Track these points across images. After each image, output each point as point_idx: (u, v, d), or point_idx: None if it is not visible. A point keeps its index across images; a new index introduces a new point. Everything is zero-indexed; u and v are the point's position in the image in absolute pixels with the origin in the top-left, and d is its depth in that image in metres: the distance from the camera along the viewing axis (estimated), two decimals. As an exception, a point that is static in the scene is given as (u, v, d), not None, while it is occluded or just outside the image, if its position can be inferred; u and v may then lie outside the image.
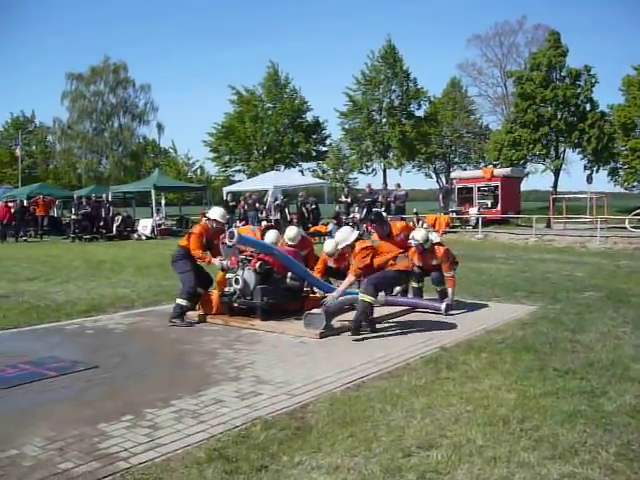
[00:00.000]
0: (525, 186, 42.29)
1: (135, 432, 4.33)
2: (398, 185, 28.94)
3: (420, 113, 53.23)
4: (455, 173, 40.58)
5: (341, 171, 54.50)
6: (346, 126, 53.63)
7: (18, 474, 3.67)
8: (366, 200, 26.96)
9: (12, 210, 27.90)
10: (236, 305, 8.08)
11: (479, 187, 31.18)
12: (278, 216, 26.96)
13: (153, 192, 31.25)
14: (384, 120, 52.35)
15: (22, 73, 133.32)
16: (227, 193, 31.17)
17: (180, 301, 7.94)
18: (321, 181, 38.02)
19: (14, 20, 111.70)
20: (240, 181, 46.67)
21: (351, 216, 26.19)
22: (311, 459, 3.86)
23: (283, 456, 3.91)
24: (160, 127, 59.97)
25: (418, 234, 8.85)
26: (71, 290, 11.08)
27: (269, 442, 4.12)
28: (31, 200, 31.20)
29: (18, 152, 51.15)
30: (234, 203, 28.94)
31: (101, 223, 28.33)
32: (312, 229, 24.59)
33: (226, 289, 8.10)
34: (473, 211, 29.05)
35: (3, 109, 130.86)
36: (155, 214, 31.41)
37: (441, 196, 33.68)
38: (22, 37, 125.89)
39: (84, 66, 58.29)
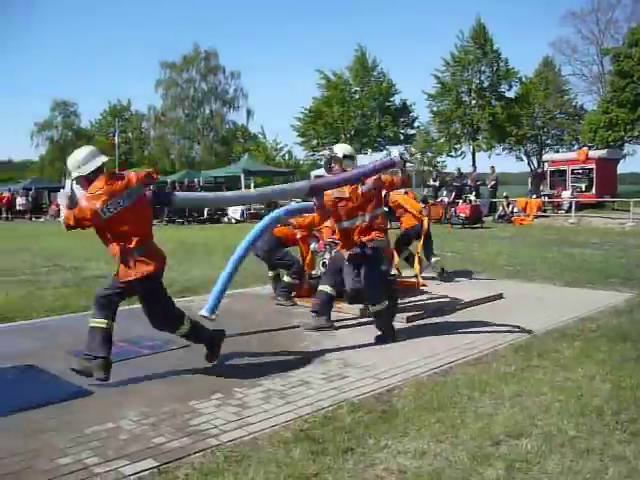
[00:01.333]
0: (622, 168, 40.56)
1: (224, 410, 4.45)
2: (492, 168, 28.33)
3: (511, 94, 51.72)
4: (547, 155, 39.31)
5: (429, 154, 53.71)
6: (434, 108, 52.77)
7: (115, 446, 3.83)
8: (455, 184, 26.56)
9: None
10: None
11: (573, 170, 30.10)
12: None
13: (242, 176, 31.82)
14: (473, 102, 51.19)
15: (118, 63, 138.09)
16: (315, 177, 31.34)
17: (289, 279, 8.07)
18: (409, 165, 37.65)
19: (112, 12, 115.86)
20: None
21: (439, 200, 25.87)
22: (397, 443, 3.86)
23: (369, 439, 3.92)
24: (249, 113, 61.05)
25: None
26: (165, 271, 11.39)
27: (355, 425, 4.14)
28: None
29: (115, 139, 53.01)
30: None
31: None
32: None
33: (314, 272, 8.16)
34: (566, 195, 28.10)
35: (102, 97, 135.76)
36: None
37: (530, 179, 32.66)
38: (118, 29, 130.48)
39: (176, 55, 59.77)
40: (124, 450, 3.79)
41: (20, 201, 38.51)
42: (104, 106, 72.85)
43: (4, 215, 37.47)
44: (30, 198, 38.46)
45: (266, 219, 6.73)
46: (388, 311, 6.54)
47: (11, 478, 3.45)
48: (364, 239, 6.48)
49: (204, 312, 5.74)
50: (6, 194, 39.78)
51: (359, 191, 6.48)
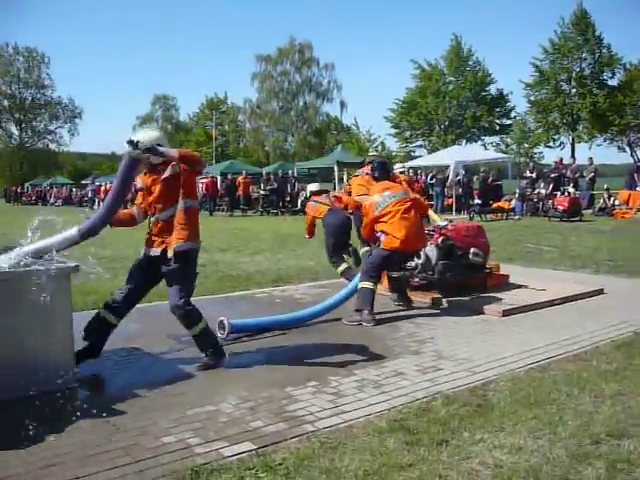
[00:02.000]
0: None
1: (320, 398, 4.52)
2: (590, 159, 27.30)
3: (614, 82, 49.64)
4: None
5: (525, 145, 52.25)
6: (532, 98, 51.29)
7: (215, 428, 3.98)
8: (552, 175, 25.74)
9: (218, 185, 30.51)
10: (417, 280, 8.08)
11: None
12: (460, 191, 26.51)
13: (336, 168, 31.93)
14: (573, 90, 49.45)
15: (215, 57, 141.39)
16: (408, 168, 31.08)
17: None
18: (504, 156, 36.81)
19: (208, 7, 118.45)
20: (420, 156, 46.36)
21: (536, 192, 25.14)
22: (493, 438, 3.82)
23: (464, 432, 3.90)
24: (343, 104, 61.33)
25: None
26: (260, 261, 11.69)
27: (450, 417, 4.13)
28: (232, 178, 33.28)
29: (212, 131, 54.36)
30: (415, 177, 28.85)
31: (287, 198, 29.51)
32: (494, 205, 23.97)
33: (407, 264, 8.13)
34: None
35: (199, 91, 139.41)
36: (338, 189, 32.06)
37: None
38: (214, 23, 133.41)
39: (271, 48, 60.67)
40: (224, 432, 3.92)
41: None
42: (201, 99, 74.83)
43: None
44: (134, 190, 39.90)
45: None
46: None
47: (121, 453, 3.64)
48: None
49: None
50: (106, 186, 41.57)
51: None
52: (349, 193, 9.63)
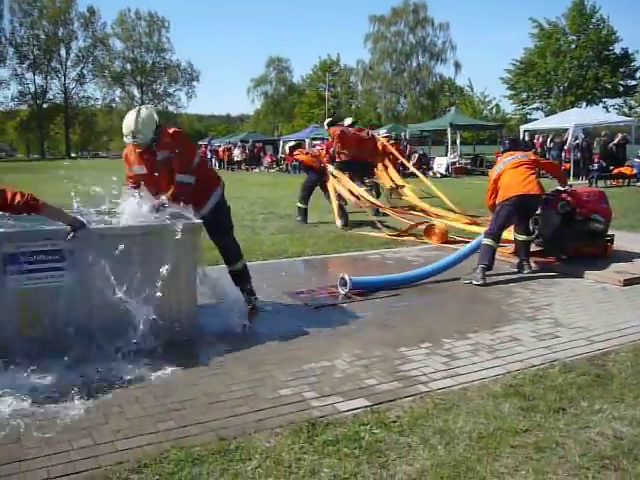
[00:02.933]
0: None
1: (433, 359, 4.54)
2: None
3: None
4: None
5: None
6: (662, 56, 48.19)
7: (330, 384, 4.08)
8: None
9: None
10: (535, 245, 7.87)
11: None
12: (579, 156, 25.39)
13: (449, 130, 31.36)
14: None
15: (329, 17, 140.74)
16: (524, 132, 30.09)
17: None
18: (628, 119, 34.81)
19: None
20: (537, 119, 44.68)
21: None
22: (612, 409, 3.72)
23: (582, 401, 3.82)
24: (457, 66, 59.80)
25: None
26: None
27: (567, 385, 4.04)
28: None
29: (326, 93, 54.46)
30: (531, 142, 27.90)
31: (398, 160, 29.23)
32: (616, 170, 22.81)
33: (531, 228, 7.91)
34: None
35: (313, 53, 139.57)
36: (450, 152, 31.56)
37: None
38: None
39: (385, 8, 59.76)
40: (338, 388, 4.02)
41: (237, 153, 41.03)
42: (315, 61, 75.00)
43: (224, 166, 40.13)
44: (247, 150, 40.77)
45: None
46: None
47: (240, 402, 3.81)
48: None
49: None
50: (224, 146, 42.70)
51: None
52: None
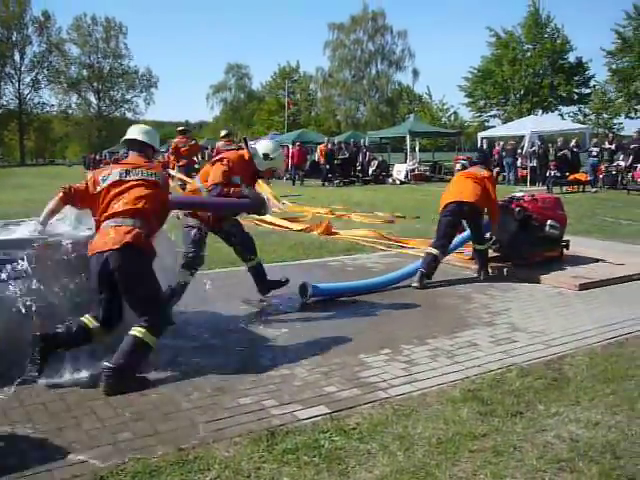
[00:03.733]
0: None
1: (393, 365, 4.56)
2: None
3: None
4: None
5: (605, 115, 50.31)
6: (613, 66, 49.23)
7: (290, 392, 4.07)
8: (632, 146, 24.78)
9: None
10: (492, 251, 7.97)
11: None
12: (535, 163, 25.82)
13: (408, 137, 31.58)
14: (659, 59, 47.19)
15: (288, 25, 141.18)
16: (482, 139, 30.49)
17: None
18: (582, 126, 35.56)
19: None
20: (494, 127, 45.34)
21: (615, 164, 24.29)
22: (569, 411, 3.78)
23: (539, 405, 3.87)
24: (416, 73, 60.34)
25: None
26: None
27: (524, 390, 4.09)
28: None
29: (288, 101, 54.47)
30: (489, 149, 28.28)
31: (358, 167, 29.37)
32: (571, 177, 23.25)
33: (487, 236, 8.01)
34: None
35: (272, 60, 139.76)
36: (409, 159, 31.78)
37: None
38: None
39: (345, 16, 60.12)
40: (298, 396, 4.01)
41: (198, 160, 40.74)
42: (274, 68, 75.00)
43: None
44: (207, 157, 40.49)
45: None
46: None
47: (199, 411, 3.77)
48: None
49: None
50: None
51: None
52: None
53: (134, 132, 4.85)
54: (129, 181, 4.46)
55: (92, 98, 77.65)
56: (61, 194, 4.52)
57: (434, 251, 7.21)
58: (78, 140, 79.94)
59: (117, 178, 4.47)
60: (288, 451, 3.28)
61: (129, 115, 78.25)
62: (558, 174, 23.26)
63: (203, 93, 74.77)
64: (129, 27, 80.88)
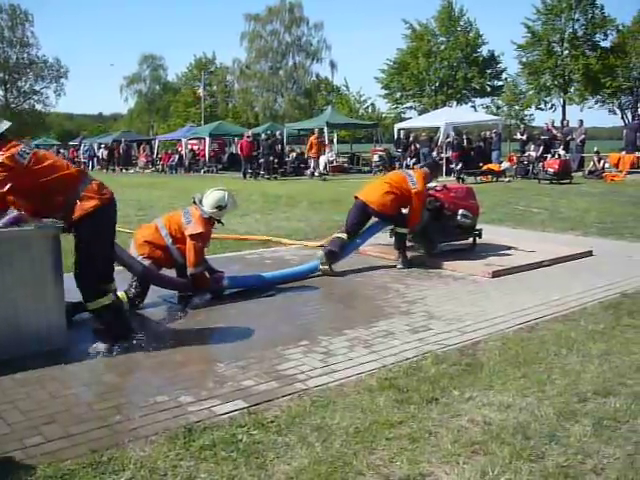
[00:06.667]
0: None
1: (310, 357, 4.56)
2: (580, 122, 27.23)
3: (606, 44, 49.27)
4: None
5: (516, 107, 51.99)
6: (523, 59, 50.91)
7: (207, 387, 4.01)
8: (542, 137, 25.72)
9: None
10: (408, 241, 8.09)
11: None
12: (450, 154, 26.42)
13: (326, 129, 31.72)
14: (565, 52, 49.03)
15: (204, 15, 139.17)
16: (399, 130, 30.95)
17: None
18: (495, 118, 36.59)
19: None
20: (411, 118, 46.12)
21: (526, 154, 25.14)
22: (482, 396, 3.87)
23: (454, 390, 3.95)
24: (333, 65, 60.55)
25: None
26: (250, 222, 11.66)
27: (440, 376, 4.17)
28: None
29: (201, 92, 53.67)
30: (406, 140, 28.74)
31: (276, 160, 29.26)
32: (485, 167, 23.92)
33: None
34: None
35: (188, 51, 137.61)
36: (327, 151, 31.93)
37: (625, 132, 31.03)
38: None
39: (261, 6, 59.71)
40: (215, 391, 3.96)
41: (103, 153, 39.55)
42: (190, 59, 73.82)
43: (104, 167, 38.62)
44: (121, 150, 39.46)
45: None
46: None
47: (114, 411, 3.67)
48: None
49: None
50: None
51: None
52: None
53: None
54: None
55: (-2, 89, 74.48)
56: None
57: (341, 234, 7.47)
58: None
59: None
60: (205, 447, 3.24)
61: (39, 107, 75.27)
62: (459, 166, 23.78)
63: (117, 84, 72.77)
64: (35, 15, 77.79)
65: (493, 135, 27.13)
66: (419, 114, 47.86)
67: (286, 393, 3.92)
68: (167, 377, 4.17)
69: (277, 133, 28.94)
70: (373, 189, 7.72)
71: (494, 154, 26.13)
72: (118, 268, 5.36)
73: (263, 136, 29.23)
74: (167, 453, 3.18)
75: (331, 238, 7.59)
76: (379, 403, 3.75)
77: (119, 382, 4.10)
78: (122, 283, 5.66)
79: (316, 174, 26.30)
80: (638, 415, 3.58)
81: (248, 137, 28.34)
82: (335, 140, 34.84)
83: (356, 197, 7.71)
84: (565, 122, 29.81)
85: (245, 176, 26.95)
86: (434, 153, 27.01)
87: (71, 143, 51.99)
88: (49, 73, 74.56)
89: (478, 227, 8.45)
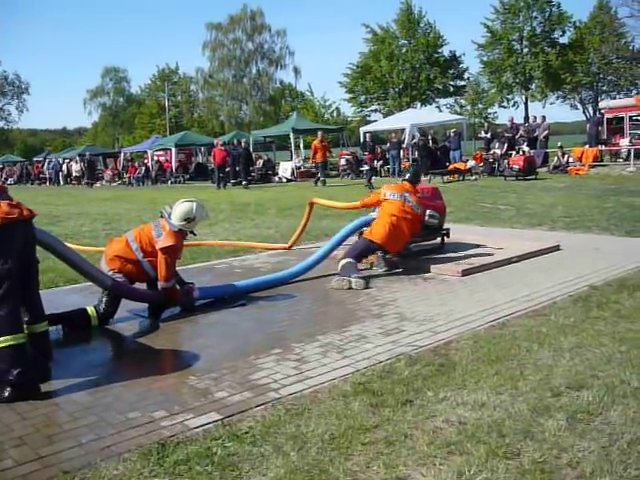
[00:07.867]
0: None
1: (283, 365, 4.52)
2: (543, 118, 27.60)
3: (564, 40, 50.05)
4: (604, 103, 37.84)
5: (480, 106, 52.55)
6: (484, 58, 51.50)
7: (180, 401, 3.95)
8: (506, 135, 26.01)
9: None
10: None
11: (631, 117, 28.92)
12: (416, 155, 26.59)
13: (292, 135, 31.75)
14: (525, 50, 49.74)
15: (165, 25, 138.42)
16: (364, 133, 31.04)
17: None
18: (459, 117, 36.93)
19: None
20: (376, 121, 46.30)
21: (491, 152, 25.41)
22: (456, 395, 3.87)
23: (428, 391, 3.94)
24: (297, 71, 60.65)
25: None
26: (219, 231, 11.58)
27: (413, 377, 4.17)
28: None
29: (165, 103, 53.41)
30: (372, 143, 28.83)
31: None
32: (451, 166, 24.11)
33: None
34: (624, 142, 27.14)
35: (150, 62, 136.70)
36: (294, 157, 31.94)
37: (588, 127, 31.53)
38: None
39: (222, 15, 59.60)
40: (188, 404, 3.90)
41: (75, 167, 39.22)
42: (153, 71, 73.42)
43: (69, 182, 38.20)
44: (85, 164, 39.02)
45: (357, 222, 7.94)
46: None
47: (85, 430, 3.59)
48: None
49: None
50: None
51: None
52: None
53: None
54: None
55: (-42, 107, 73.33)
56: None
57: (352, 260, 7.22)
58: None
59: None
60: (180, 462, 3.18)
61: (1, 124, 74.44)
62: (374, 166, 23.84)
63: (80, 98, 72.07)
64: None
65: (452, 134, 27.33)
66: (384, 117, 48.09)
67: (260, 403, 3.88)
68: (139, 392, 4.11)
69: (243, 141, 28.74)
70: (395, 235, 7.42)
71: (453, 154, 26.26)
72: (87, 283, 5.29)
73: (231, 145, 29.05)
74: (141, 470, 3.13)
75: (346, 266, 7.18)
76: (354, 408, 3.73)
77: (90, 400, 4.02)
78: (92, 299, 5.58)
79: (321, 179, 24.45)
80: (611, 407, 3.60)
81: (221, 146, 27.79)
82: (301, 146, 34.84)
83: (374, 241, 7.38)
84: (532, 117, 30.11)
85: (219, 186, 26.06)
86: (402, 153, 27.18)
87: (35, 159, 51.30)
88: (10, 89, 73.60)
89: (446, 227, 8.50)
